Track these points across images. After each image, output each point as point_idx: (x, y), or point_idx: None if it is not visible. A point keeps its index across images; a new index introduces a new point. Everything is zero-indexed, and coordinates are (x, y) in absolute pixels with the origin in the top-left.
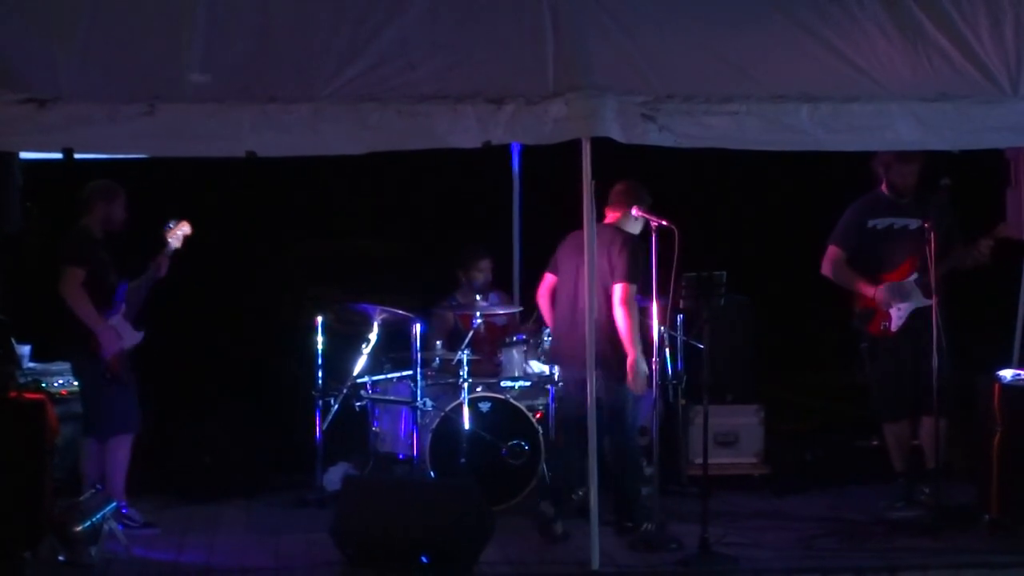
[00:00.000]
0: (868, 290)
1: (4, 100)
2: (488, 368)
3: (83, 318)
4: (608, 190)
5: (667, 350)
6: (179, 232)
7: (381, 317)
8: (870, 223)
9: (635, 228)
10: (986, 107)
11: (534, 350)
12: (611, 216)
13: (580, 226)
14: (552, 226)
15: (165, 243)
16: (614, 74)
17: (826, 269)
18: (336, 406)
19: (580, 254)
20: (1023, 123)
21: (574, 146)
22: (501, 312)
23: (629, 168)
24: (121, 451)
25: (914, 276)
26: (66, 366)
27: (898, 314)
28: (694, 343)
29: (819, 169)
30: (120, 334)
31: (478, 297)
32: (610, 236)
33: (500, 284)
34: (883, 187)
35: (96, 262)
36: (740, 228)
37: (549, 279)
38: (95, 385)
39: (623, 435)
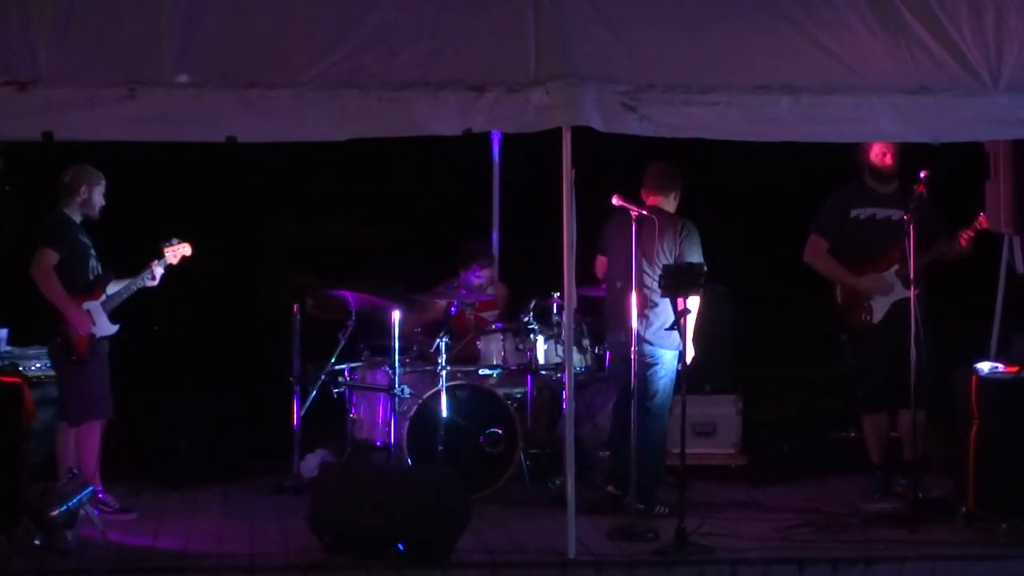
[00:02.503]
0: (850, 280)
1: None
2: (467, 355)
3: (51, 298)
4: (584, 177)
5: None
6: (178, 251)
7: (359, 307)
8: (852, 213)
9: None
10: (966, 100)
11: (514, 337)
12: (652, 199)
13: (560, 214)
14: (532, 215)
15: (160, 255)
16: (595, 63)
17: (809, 258)
18: (313, 393)
19: (627, 236)
20: (1003, 116)
21: (554, 134)
22: (479, 299)
23: (609, 157)
24: (92, 436)
25: (895, 267)
26: (43, 350)
27: (880, 305)
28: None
29: (799, 159)
30: (94, 320)
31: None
32: (665, 220)
33: None
34: (866, 177)
35: (73, 246)
36: (720, 218)
37: (602, 260)
38: (66, 370)
39: (649, 411)
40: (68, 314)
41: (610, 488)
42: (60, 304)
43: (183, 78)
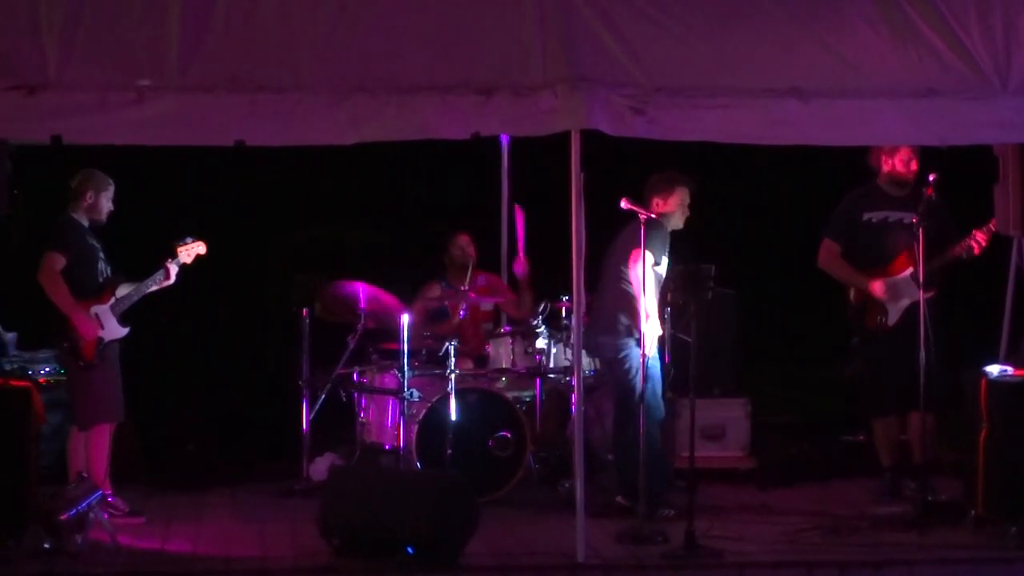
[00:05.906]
0: (865, 283)
1: None
2: (474, 355)
3: (57, 303)
4: (595, 182)
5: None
6: (192, 250)
7: (368, 306)
8: (864, 216)
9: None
10: (974, 103)
11: (523, 341)
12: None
13: (569, 218)
14: (540, 218)
15: (174, 254)
16: (603, 66)
17: (822, 263)
18: (323, 396)
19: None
20: (1011, 119)
21: (564, 138)
22: (488, 300)
23: (618, 161)
24: (101, 440)
25: (910, 270)
26: (52, 354)
27: (895, 308)
28: (682, 336)
29: (805, 162)
30: (102, 324)
31: (466, 285)
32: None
33: (487, 269)
34: (879, 180)
35: (81, 249)
36: (728, 221)
37: None
38: (74, 374)
39: (628, 409)
40: (74, 318)
41: (620, 499)
42: (66, 308)
43: (143, 81)
